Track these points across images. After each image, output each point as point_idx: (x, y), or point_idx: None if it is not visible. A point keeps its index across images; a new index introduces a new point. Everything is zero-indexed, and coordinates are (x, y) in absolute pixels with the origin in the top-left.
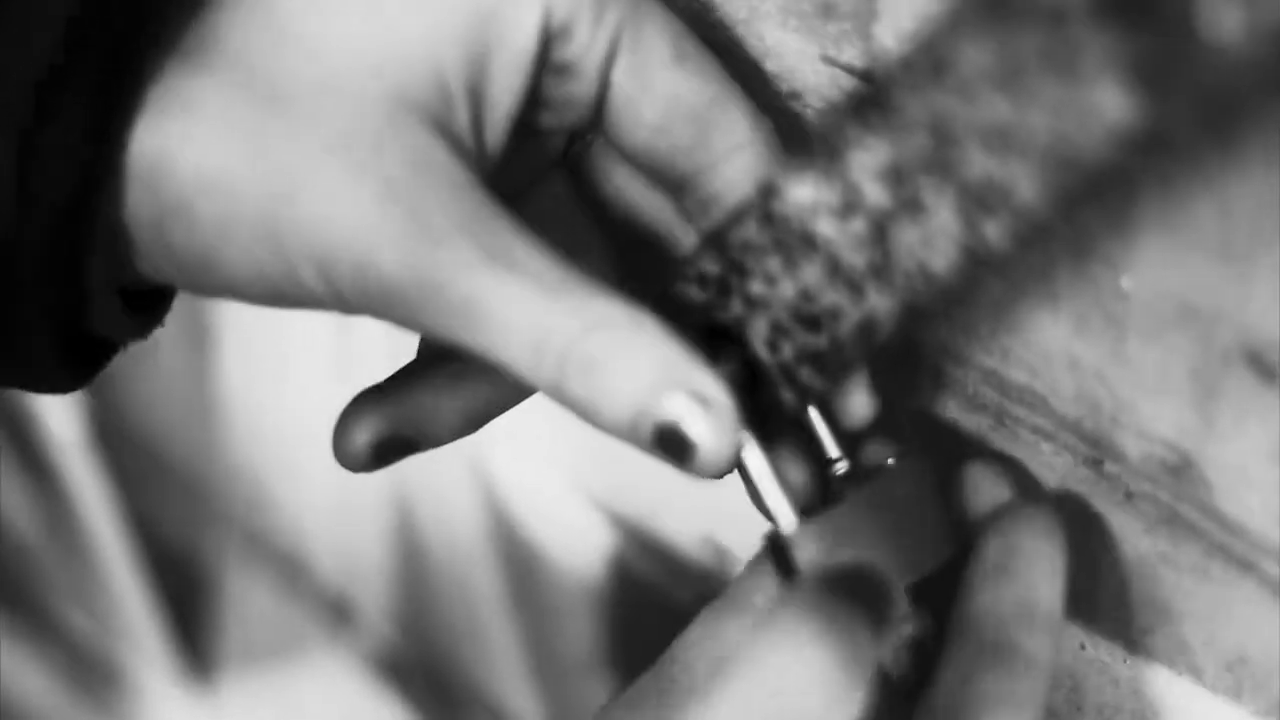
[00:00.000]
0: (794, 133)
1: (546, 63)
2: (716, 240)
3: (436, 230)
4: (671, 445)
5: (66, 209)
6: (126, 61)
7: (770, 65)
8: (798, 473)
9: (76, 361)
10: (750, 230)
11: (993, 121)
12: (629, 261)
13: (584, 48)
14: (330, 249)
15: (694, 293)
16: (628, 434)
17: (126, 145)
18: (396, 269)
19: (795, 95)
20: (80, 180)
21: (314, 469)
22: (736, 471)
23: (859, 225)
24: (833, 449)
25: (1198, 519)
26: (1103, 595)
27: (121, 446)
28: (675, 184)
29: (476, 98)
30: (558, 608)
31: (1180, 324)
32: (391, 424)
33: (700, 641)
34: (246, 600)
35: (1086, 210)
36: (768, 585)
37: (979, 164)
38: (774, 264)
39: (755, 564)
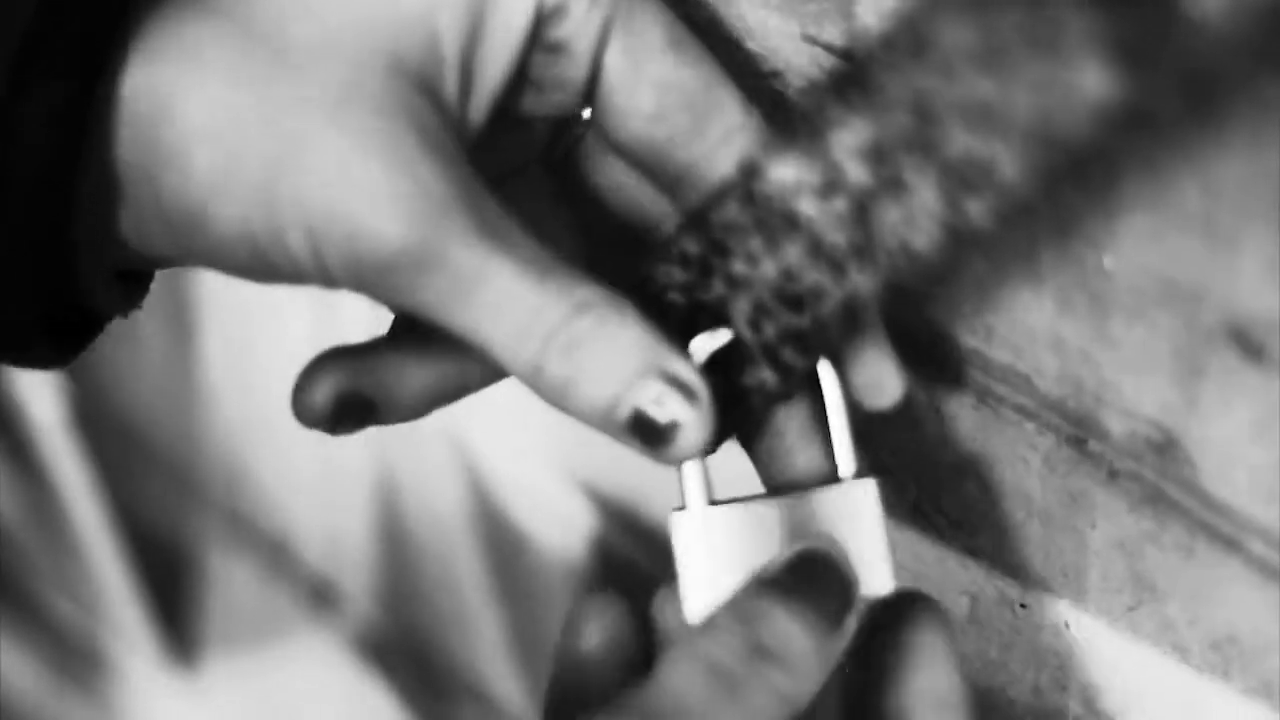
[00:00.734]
0: (775, 112)
1: (538, 40)
2: (698, 220)
3: (439, 199)
4: (646, 431)
5: (50, 161)
6: (116, 7)
7: (751, 44)
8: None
9: (63, 336)
10: (732, 210)
11: (974, 99)
12: (612, 259)
13: (577, 27)
14: (326, 213)
15: (676, 273)
16: (601, 418)
17: (117, 93)
18: (395, 238)
19: (776, 74)
20: (62, 134)
21: (297, 452)
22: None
23: (841, 204)
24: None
25: (1182, 497)
26: (1088, 574)
27: (103, 430)
28: (669, 174)
29: (467, 69)
30: (541, 590)
31: (1164, 302)
32: (353, 383)
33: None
34: (230, 583)
35: (1069, 188)
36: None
37: (961, 142)
38: (756, 244)
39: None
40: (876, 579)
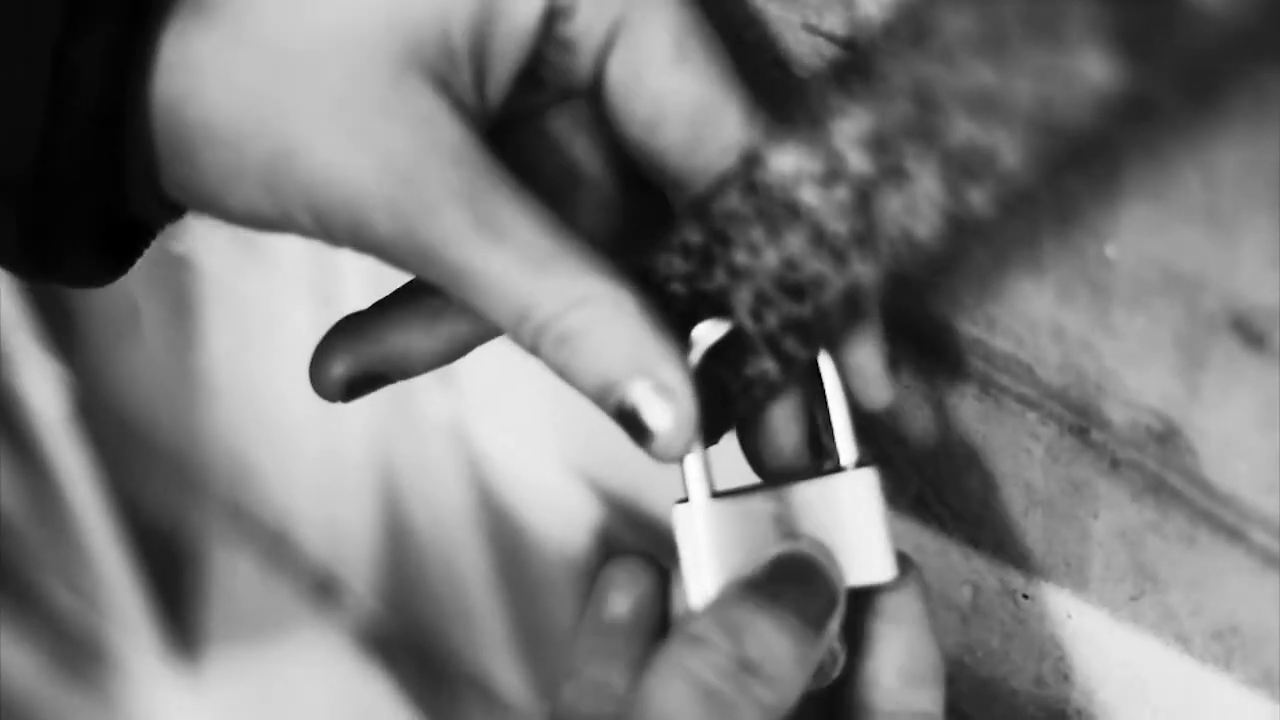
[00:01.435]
0: (776, 102)
1: (549, 35)
2: (700, 210)
3: (431, 199)
4: (632, 425)
5: (104, 94)
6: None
7: (752, 34)
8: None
9: (113, 253)
10: (733, 199)
11: (976, 87)
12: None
13: (585, 27)
14: (327, 205)
15: (677, 263)
16: (596, 403)
17: (151, 73)
18: (389, 234)
19: (777, 64)
20: (113, 73)
21: (299, 444)
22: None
23: (842, 193)
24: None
25: (1184, 487)
26: (1090, 564)
27: (105, 424)
28: (666, 179)
29: (479, 60)
30: (543, 582)
31: (1165, 291)
32: (365, 358)
33: None
34: (232, 577)
35: (1070, 177)
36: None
37: (962, 130)
38: (757, 233)
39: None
40: (878, 567)
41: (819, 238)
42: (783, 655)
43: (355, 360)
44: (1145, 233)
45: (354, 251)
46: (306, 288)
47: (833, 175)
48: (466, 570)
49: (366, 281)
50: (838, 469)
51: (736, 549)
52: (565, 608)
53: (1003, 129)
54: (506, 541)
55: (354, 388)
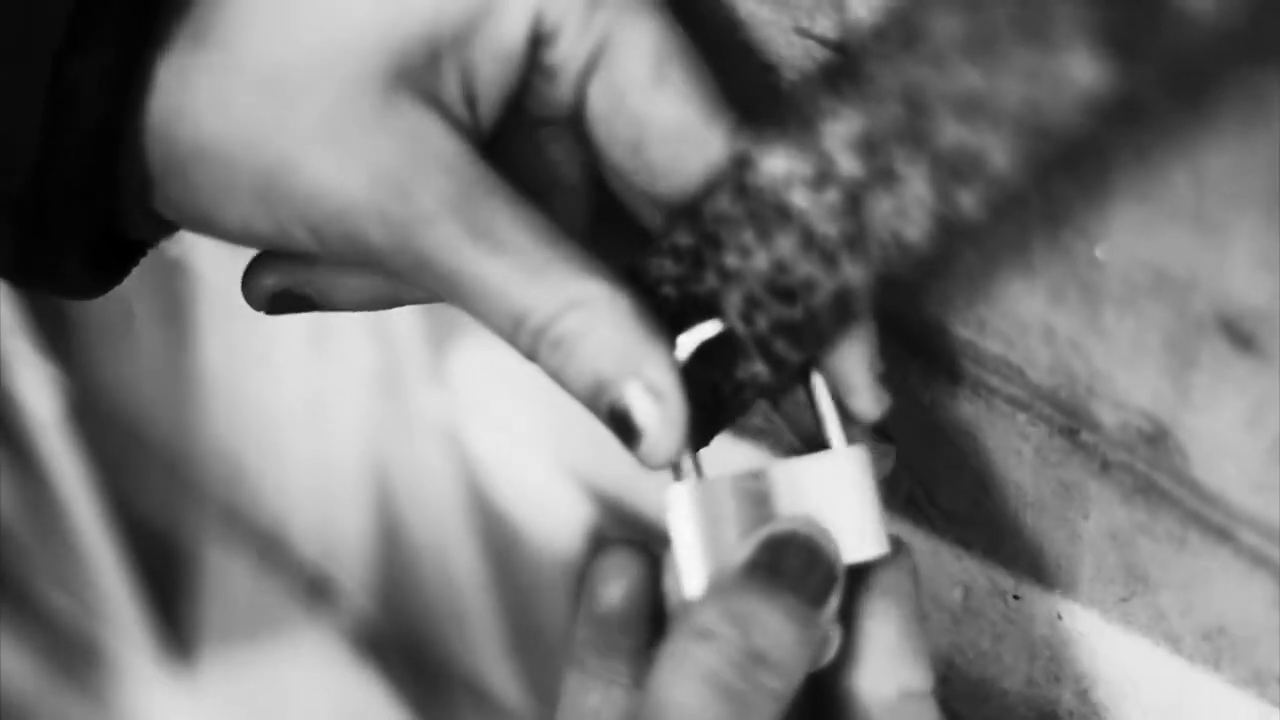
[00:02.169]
0: (767, 105)
1: (535, 62)
2: (690, 212)
3: (424, 209)
4: (622, 427)
5: (103, 113)
6: (147, 9)
7: (743, 37)
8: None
9: (105, 267)
10: (724, 202)
11: (965, 90)
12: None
13: (567, 54)
14: (321, 219)
15: (668, 265)
16: (589, 407)
17: (146, 94)
18: (384, 244)
19: (768, 68)
20: (111, 93)
21: (293, 446)
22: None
23: (833, 196)
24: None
25: (1174, 488)
26: (1080, 565)
27: (100, 426)
28: (650, 199)
29: (468, 82)
30: (536, 583)
31: (1155, 293)
32: (291, 281)
33: None
34: (226, 578)
35: (1060, 179)
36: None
37: (952, 133)
38: (748, 236)
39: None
40: (869, 543)
41: (809, 240)
42: (788, 641)
43: (285, 277)
44: (1134, 234)
45: (351, 264)
46: None
47: (823, 178)
48: (460, 571)
49: None
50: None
51: (729, 529)
52: (558, 609)
53: (992, 131)
54: (500, 543)
55: (278, 302)
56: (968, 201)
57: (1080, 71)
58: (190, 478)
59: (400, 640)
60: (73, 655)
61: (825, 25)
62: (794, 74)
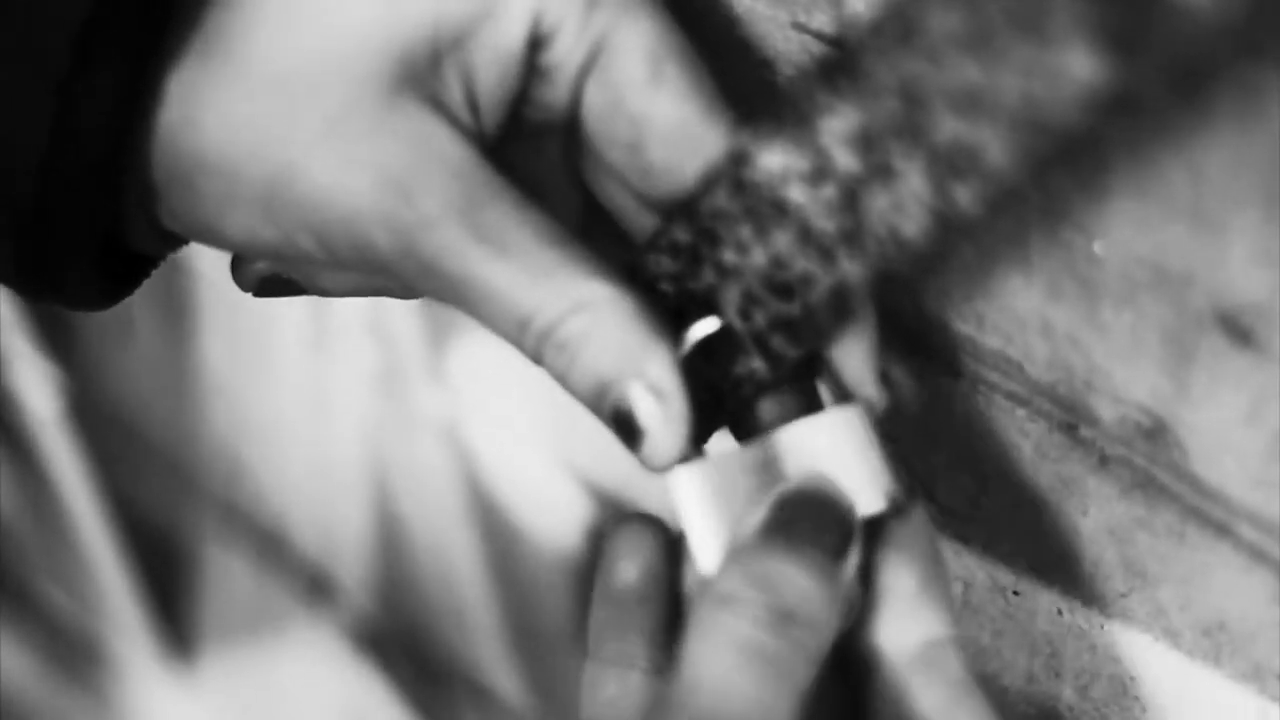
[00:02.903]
0: (764, 100)
1: (532, 65)
2: (687, 209)
3: (428, 213)
4: (625, 428)
5: (109, 131)
6: (156, 23)
7: (740, 33)
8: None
9: (111, 279)
10: (721, 198)
11: (963, 85)
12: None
13: (564, 56)
14: (326, 226)
15: (665, 262)
16: (593, 408)
17: (155, 101)
18: (390, 250)
19: (765, 63)
20: (117, 117)
21: (292, 444)
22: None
23: (830, 191)
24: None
25: (1173, 483)
26: (1079, 561)
27: (100, 424)
28: (649, 199)
29: (469, 85)
30: (536, 580)
31: (1153, 288)
32: (282, 267)
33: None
34: (226, 576)
35: (1057, 174)
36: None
37: (949, 128)
38: (745, 232)
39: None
40: (878, 497)
41: (806, 236)
42: (815, 595)
43: (270, 265)
44: (1132, 230)
45: (357, 270)
46: None
47: (820, 173)
48: (460, 569)
49: None
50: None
51: (736, 503)
52: (559, 606)
53: (989, 126)
54: (500, 540)
55: (266, 285)
56: (965, 197)
57: (1078, 67)
58: (190, 475)
59: (401, 638)
60: (73, 653)
61: (822, 20)
62: (791, 69)
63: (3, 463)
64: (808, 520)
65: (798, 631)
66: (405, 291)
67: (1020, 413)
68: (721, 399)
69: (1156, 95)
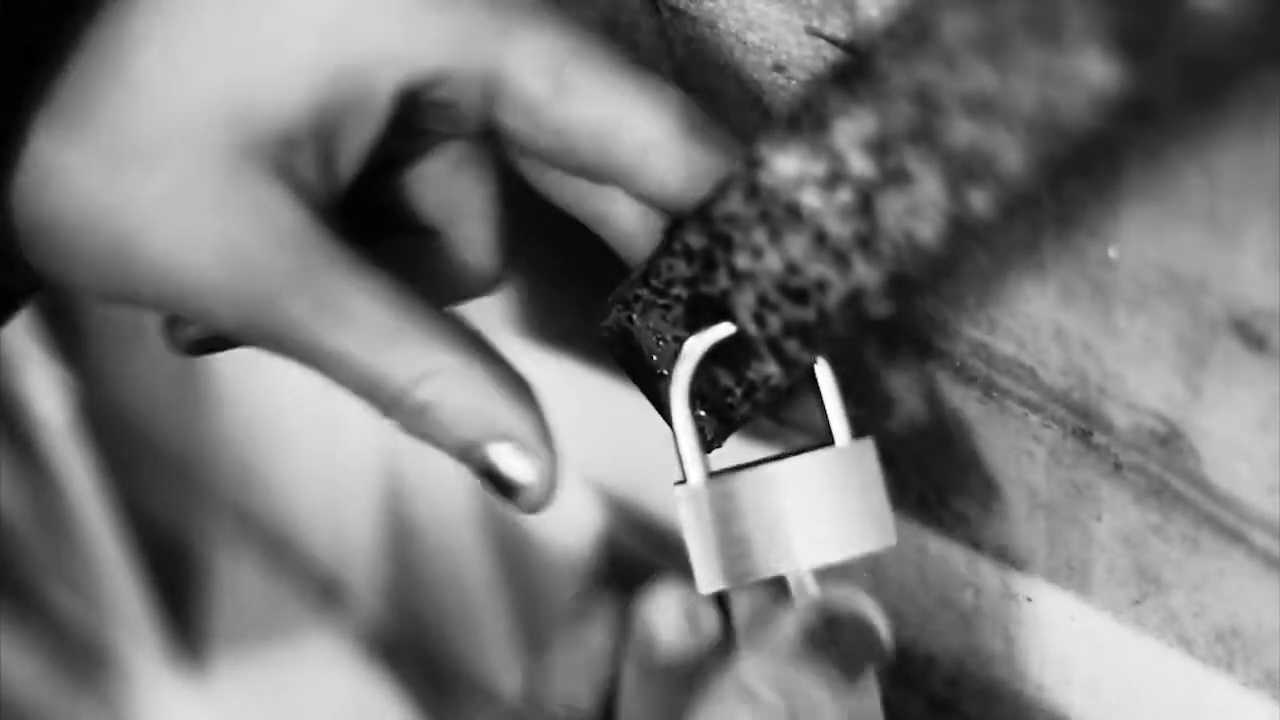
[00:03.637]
0: (778, 105)
1: (420, 104)
2: (701, 213)
3: (270, 287)
4: (498, 485)
5: None
6: (25, 79)
7: (753, 37)
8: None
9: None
10: (735, 202)
11: (977, 90)
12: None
13: (462, 88)
14: (171, 297)
15: (679, 266)
16: (463, 464)
17: (15, 159)
18: (235, 322)
19: (779, 68)
20: None
21: (303, 449)
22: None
23: (845, 196)
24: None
25: (1186, 489)
26: (1092, 567)
27: (110, 428)
28: (604, 183)
29: (328, 142)
30: (547, 585)
31: (1167, 293)
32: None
33: None
34: (236, 581)
35: (1072, 179)
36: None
37: (964, 132)
38: (760, 236)
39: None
40: (877, 534)
41: (821, 240)
42: (830, 715)
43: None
44: (1147, 235)
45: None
46: None
47: (835, 178)
48: (471, 574)
49: None
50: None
51: (739, 525)
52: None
53: (1004, 131)
54: (510, 545)
55: (201, 346)
56: (980, 201)
57: (1093, 71)
58: (200, 480)
59: (411, 642)
60: (83, 658)
61: (836, 25)
62: (804, 74)
63: (13, 467)
64: (845, 641)
65: None
66: None
67: (1033, 419)
68: (735, 404)
69: (1171, 100)
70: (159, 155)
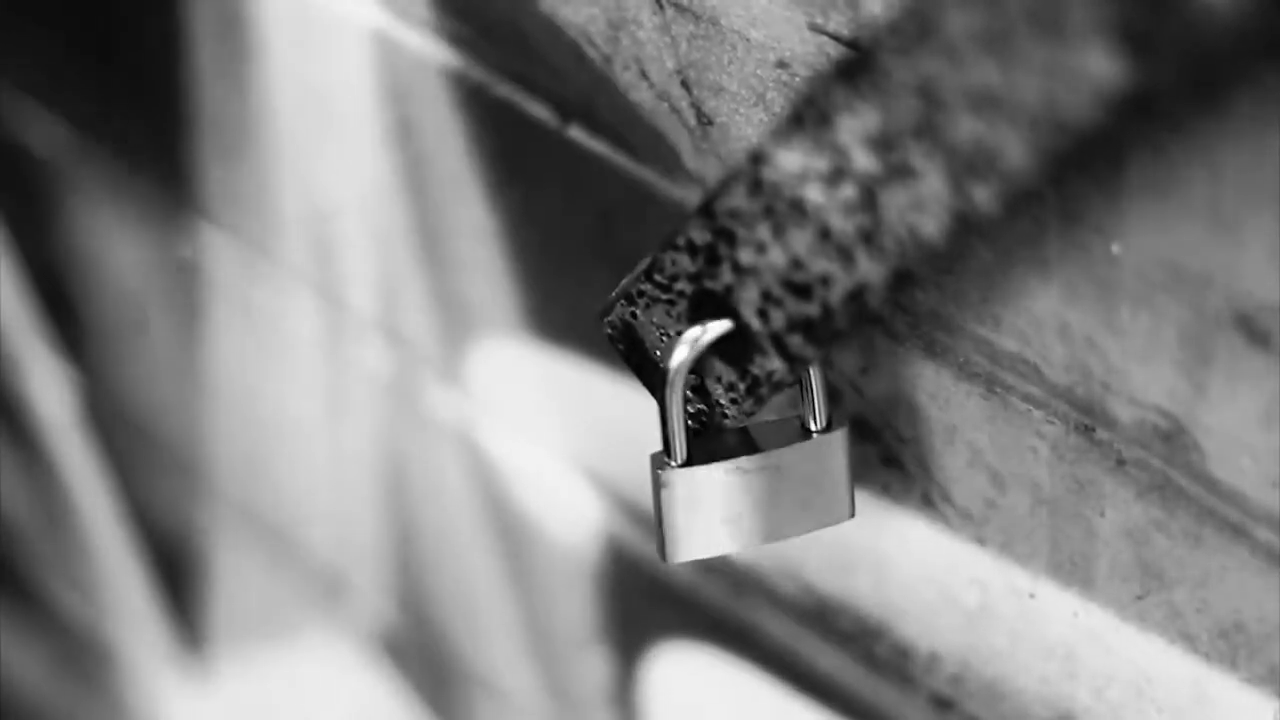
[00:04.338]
0: (783, 101)
1: None
2: (705, 208)
3: None
4: None
5: None
6: None
7: (756, 34)
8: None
9: None
10: (739, 198)
11: (980, 85)
12: None
13: None
14: None
15: (683, 261)
16: None
17: None
18: None
19: (783, 64)
20: None
21: (306, 445)
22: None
23: (849, 191)
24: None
25: (1189, 485)
26: (1096, 563)
27: (113, 425)
28: None
29: None
30: (551, 581)
31: (1171, 289)
32: None
33: None
34: (240, 577)
35: (1075, 175)
36: None
37: (968, 128)
38: (764, 231)
39: None
40: (838, 509)
41: (825, 236)
42: None
43: None
44: (1150, 231)
45: None
46: (313, 292)
47: (839, 173)
48: (474, 570)
49: (371, 286)
50: (808, 434)
51: (709, 511)
52: (574, 607)
53: (1008, 126)
54: (513, 541)
55: None
56: (983, 197)
57: (1097, 67)
58: (204, 477)
59: (415, 638)
60: (85, 654)
61: (839, 21)
62: (808, 70)
63: (16, 463)
64: None
65: None
66: None
67: (1037, 414)
68: (739, 398)
69: (1174, 96)
70: None
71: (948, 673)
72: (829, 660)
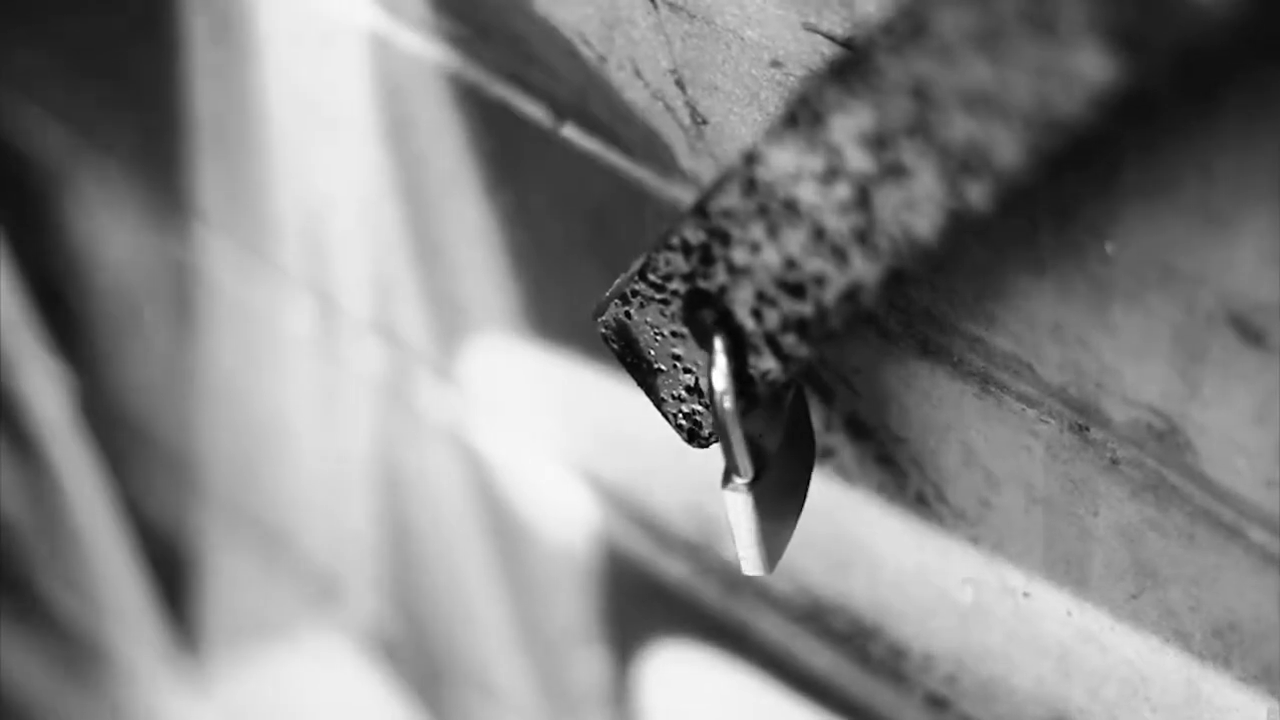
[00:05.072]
0: (775, 101)
1: None
2: (700, 208)
3: None
4: None
5: None
6: None
7: (751, 33)
8: None
9: None
10: (733, 197)
11: (974, 84)
12: None
13: None
14: None
15: (677, 260)
16: None
17: None
18: None
19: (777, 64)
20: None
21: (301, 446)
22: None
23: (842, 190)
24: None
25: (1183, 484)
26: (1090, 562)
27: (108, 425)
28: None
29: None
30: (545, 581)
31: (1164, 288)
32: None
33: None
34: (235, 578)
35: (1068, 173)
36: None
37: (961, 127)
38: (758, 231)
39: None
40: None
41: (819, 235)
42: None
43: None
44: (1143, 230)
45: None
46: (307, 293)
47: (832, 172)
48: (468, 570)
49: (365, 287)
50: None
51: (770, 519)
52: (568, 606)
53: (1001, 126)
54: (508, 540)
55: None
56: (977, 196)
57: (1089, 66)
58: (198, 477)
59: (409, 638)
60: (80, 654)
61: (833, 20)
62: (802, 69)
63: (12, 464)
64: None
65: None
66: None
67: (1031, 413)
68: (737, 398)
69: (1167, 95)
70: None
71: (942, 672)
72: (824, 660)
